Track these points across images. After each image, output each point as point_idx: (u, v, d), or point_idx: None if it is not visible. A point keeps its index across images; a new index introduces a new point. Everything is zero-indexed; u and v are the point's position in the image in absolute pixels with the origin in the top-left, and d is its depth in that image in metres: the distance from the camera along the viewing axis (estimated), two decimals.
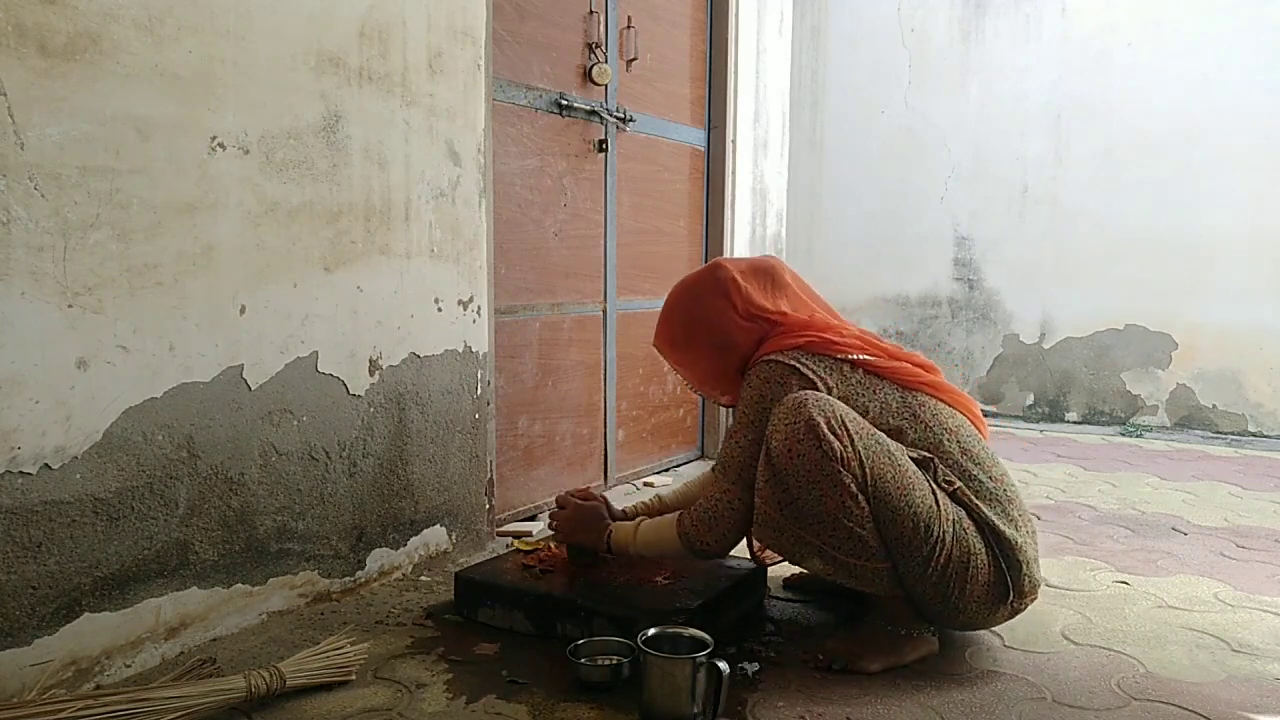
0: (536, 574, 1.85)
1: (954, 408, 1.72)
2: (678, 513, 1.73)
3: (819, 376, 1.63)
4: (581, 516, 1.84)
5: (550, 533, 1.95)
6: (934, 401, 1.70)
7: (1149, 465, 3.50)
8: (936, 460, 1.61)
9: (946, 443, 1.64)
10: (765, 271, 1.79)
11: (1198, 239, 4.17)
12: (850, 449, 1.53)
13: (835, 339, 1.69)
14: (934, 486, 1.58)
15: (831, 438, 1.52)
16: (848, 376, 1.66)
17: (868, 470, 1.54)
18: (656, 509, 1.96)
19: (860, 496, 1.53)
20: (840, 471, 1.52)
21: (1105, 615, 1.92)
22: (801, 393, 1.59)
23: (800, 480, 1.54)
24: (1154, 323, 4.30)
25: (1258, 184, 4.04)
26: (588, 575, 1.83)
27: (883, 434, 1.60)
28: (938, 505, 1.56)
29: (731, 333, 1.73)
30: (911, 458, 1.59)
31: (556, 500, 1.91)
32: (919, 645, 1.65)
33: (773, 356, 1.66)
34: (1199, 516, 2.73)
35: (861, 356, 1.68)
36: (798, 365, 1.64)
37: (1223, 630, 1.85)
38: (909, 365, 1.71)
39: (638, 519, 1.83)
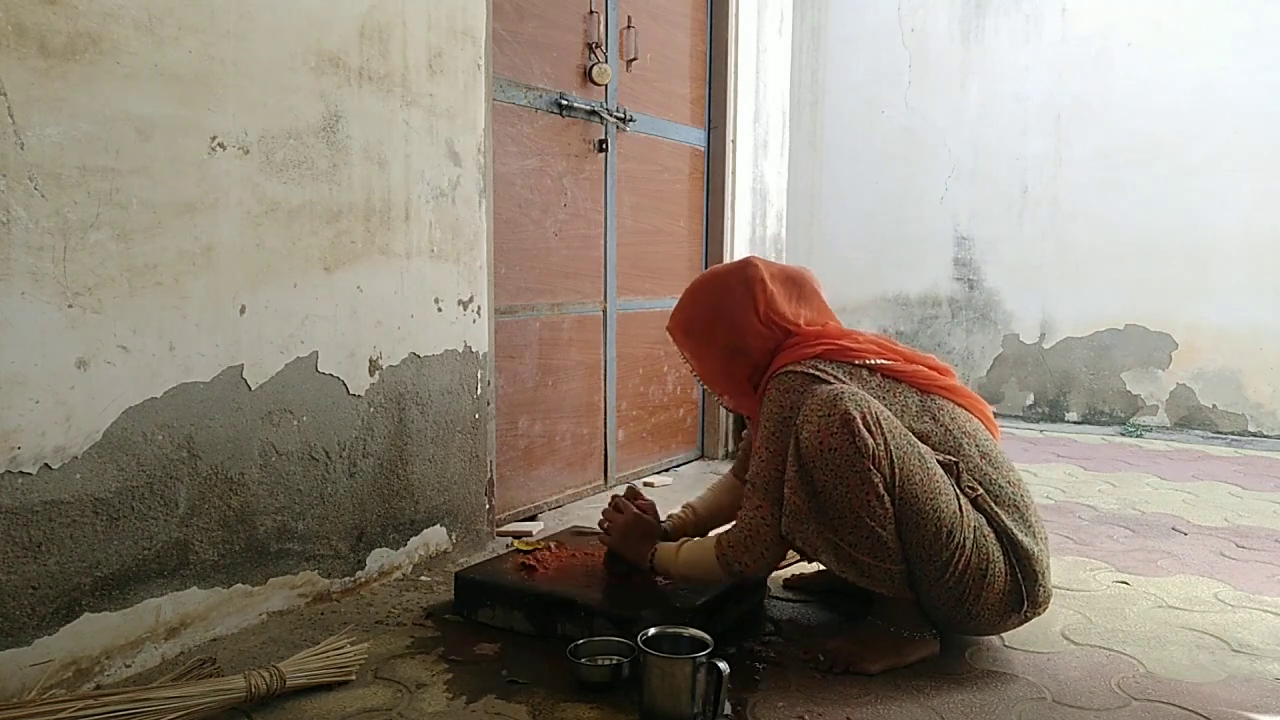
0: (535, 573, 1.84)
1: (970, 411, 1.72)
2: (716, 534, 1.69)
3: (839, 381, 1.62)
4: (633, 529, 1.80)
5: (554, 532, 1.93)
6: (951, 405, 1.69)
7: (1149, 465, 3.50)
8: (961, 464, 1.60)
9: (966, 446, 1.63)
10: (794, 280, 1.77)
11: (1197, 239, 4.17)
12: (882, 447, 1.52)
13: (851, 345, 1.68)
14: (957, 492, 1.57)
15: (865, 434, 1.51)
16: (866, 381, 1.65)
17: (897, 470, 1.53)
18: (691, 522, 1.94)
19: (886, 497, 1.52)
20: (870, 469, 1.51)
21: (1105, 615, 1.92)
22: (837, 386, 1.58)
23: (827, 474, 1.52)
24: (1154, 323, 4.30)
25: (1257, 184, 4.04)
26: (624, 581, 1.80)
27: (913, 435, 1.59)
28: (960, 511, 1.55)
29: (746, 334, 1.71)
30: (938, 461, 1.59)
31: (613, 502, 1.86)
32: (920, 646, 1.65)
33: (790, 368, 1.65)
34: (1199, 516, 2.73)
35: (879, 361, 1.67)
36: (815, 372, 1.63)
37: (1223, 630, 1.84)
38: (925, 369, 1.71)
39: (681, 540, 1.77)
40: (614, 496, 1.89)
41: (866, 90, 4.88)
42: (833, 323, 1.78)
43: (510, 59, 2.44)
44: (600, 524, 1.87)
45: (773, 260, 1.81)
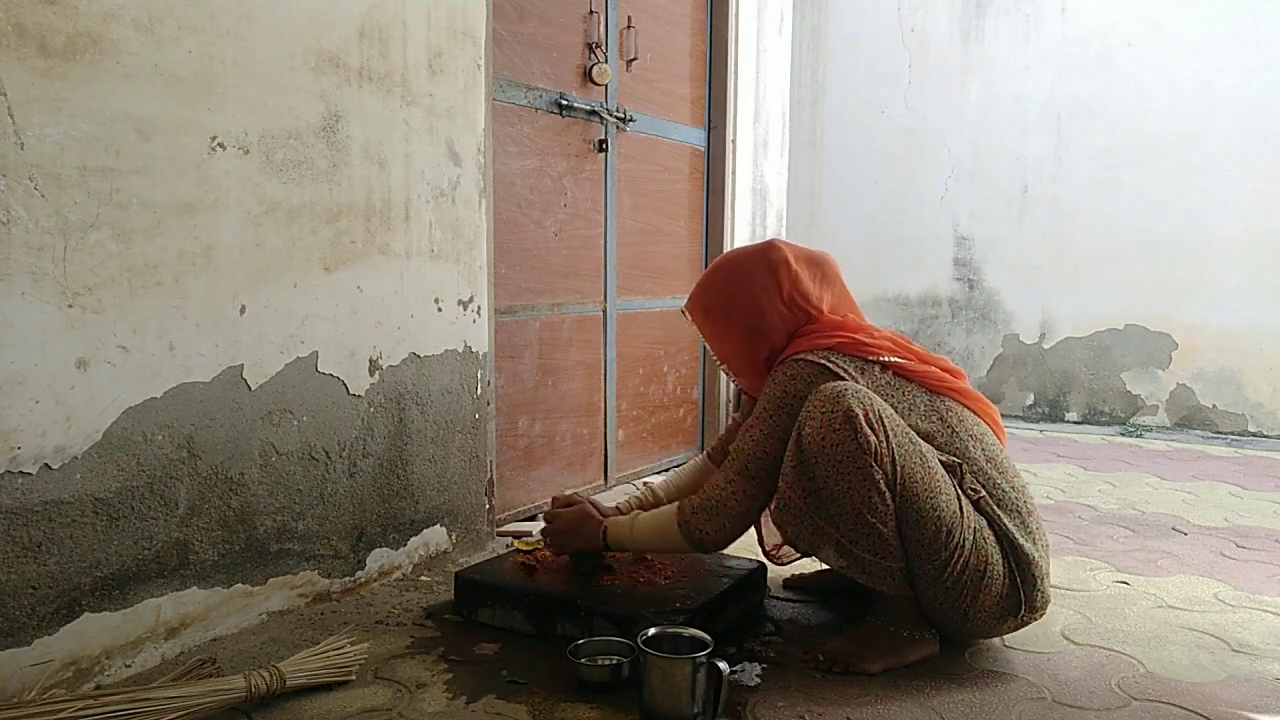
0: (535, 573, 1.84)
1: (978, 415, 1.72)
2: (677, 502, 1.70)
3: (849, 375, 1.62)
4: (570, 523, 1.81)
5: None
6: (960, 407, 1.69)
7: (1149, 465, 3.50)
8: (965, 466, 1.60)
9: (972, 449, 1.64)
10: (817, 263, 1.78)
11: (1197, 239, 4.17)
12: (885, 445, 1.53)
13: (866, 340, 1.68)
14: (959, 493, 1.58)
15: (868, 431, 1.52)
16: (877, 378, 1.65)
17: (899, 468, 1.53)
18: (650, 502, 1.95)
19: (887, 493, 1.53)
20: (872, 466, 1.51)
21: (1105, 615, 1.92)
22: (841, 382, 1.58)
23: (829, 470, 1.53)
24: (1154, 323, 4.30)
25: (1257, 184, 4.04)
26: (594, 581, 1.81)
27: (915, 434, 1.59)
28: (961, 511, 1.56)
29: (768, 315, 1.72)
30: (941, 461, 1.59)
31: (544, 516, 1.88)
32: (920, 646, 1.65)
33: (801, 355, 1.65)
34: (1199, 516, 2.73)
35: (891, 359, 1.67)
36: (827, 364, 1.63)
37: (1223, 630, 1.85)
38: (938, 370, 1.71)
39: (633, 513, 1.79)
40: (544, 514, 1.89)
41: (866, 90, 4.88)
42: (853, 315, 1.78)
43: (510, 59, 2.44)
44: (544, 543, 1.87)
45: (796, 244, 1.81)
